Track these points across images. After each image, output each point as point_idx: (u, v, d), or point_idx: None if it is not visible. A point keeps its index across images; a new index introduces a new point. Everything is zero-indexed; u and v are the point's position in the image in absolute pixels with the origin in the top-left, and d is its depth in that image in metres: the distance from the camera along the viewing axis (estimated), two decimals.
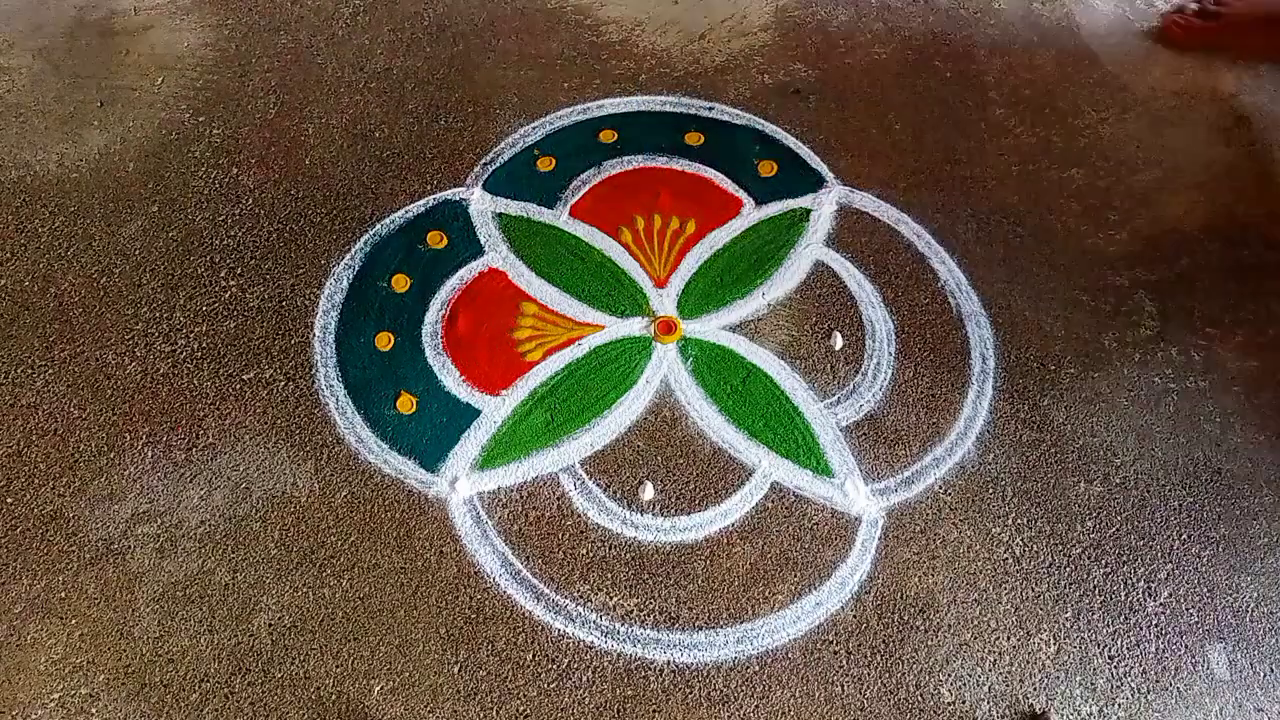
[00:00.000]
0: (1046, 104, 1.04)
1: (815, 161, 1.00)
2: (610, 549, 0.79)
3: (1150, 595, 0.78)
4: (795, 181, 0.99)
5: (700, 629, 0.77)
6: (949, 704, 0.74)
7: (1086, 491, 0.83)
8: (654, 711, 0.73)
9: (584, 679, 0.74)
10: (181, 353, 0.87)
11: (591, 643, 0.76)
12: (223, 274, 0.91)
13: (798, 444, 0.84)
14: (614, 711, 0.73)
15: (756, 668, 0.75)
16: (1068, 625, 0.77)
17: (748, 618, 0.77)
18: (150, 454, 0.82)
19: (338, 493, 0.81)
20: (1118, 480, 0.83)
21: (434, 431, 0.84)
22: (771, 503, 0.82)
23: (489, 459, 0.83)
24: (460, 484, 0.81)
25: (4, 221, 0.94)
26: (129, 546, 0.78)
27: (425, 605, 0.76)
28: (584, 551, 0.79)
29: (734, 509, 0.82)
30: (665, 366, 0.88)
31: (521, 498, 0.81)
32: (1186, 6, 1.07)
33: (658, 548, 0.80)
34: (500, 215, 0.96)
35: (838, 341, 0.89)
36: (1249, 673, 0.76)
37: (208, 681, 0.73)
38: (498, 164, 0.99)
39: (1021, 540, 0.80)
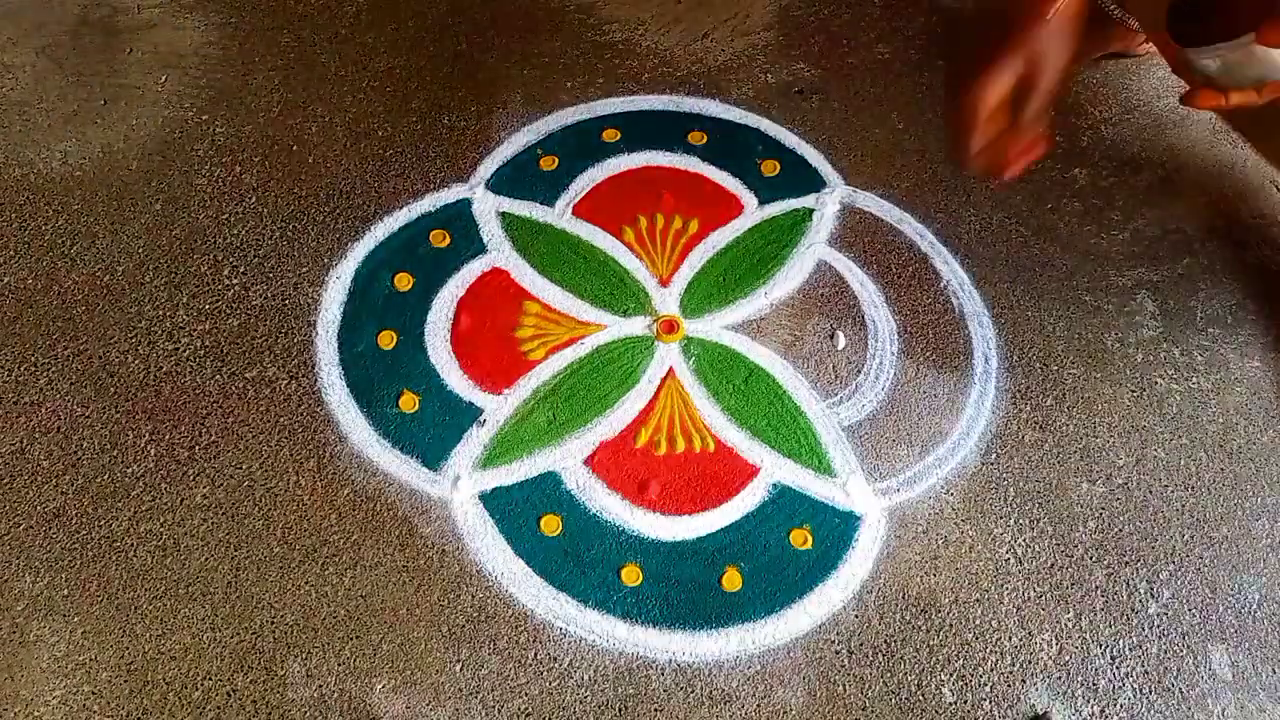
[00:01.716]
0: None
1: (818, 161, 1.00)
2: (612, 547, 0.79)
3: (1153, 596, 0.78)
4: (798, 181, 0.99)
5: (702, 628, 0.77)
6: (951, 704, 0.74)
7: (1089, 492, 0.83)
8: (656, 710, 0.73)
9: (586, 678, 0.74)
10: (184, 351, 0.87)
11: (593, 642, 0.76)
12: (225, 272, 0.92)
13: (800, 443, 0.84)
14: (616, 710, 0.73)
15: (758, 667, 0.75)
16: (1069, 626, 0.77)
17: (749, 616, 0.77)
18: (153, 452, 0.82)
19: (340, 491, 0.81)
20: (1120, 481, 0.83)
21: (436, 430, 0.84)
22: (773, 502, 0.82)
23: (491, 458, 0.83)
24: (462, 483, 0.81)
25: (7, 219, 0.94)
26: (131, 544, 0.78)
27: (427, 604, 0.76)
28: (586, 550, 0.79)
29: (735, 508, 0.82)
30: (667, 366, 0.88)
31: (524, 496, 0.81)
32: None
33: (659, 546, 0.80)
34: (503, 214, 0.96)
35: (840, 341, 0.89)
36: (1251, 674, 0.76)
37: (210, 679, 0.73)
38: (500, 163, 0.99)
39: (1024, 541, 0.80)
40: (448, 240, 0.94)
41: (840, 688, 0.74)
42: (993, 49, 0.67)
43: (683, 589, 0.78)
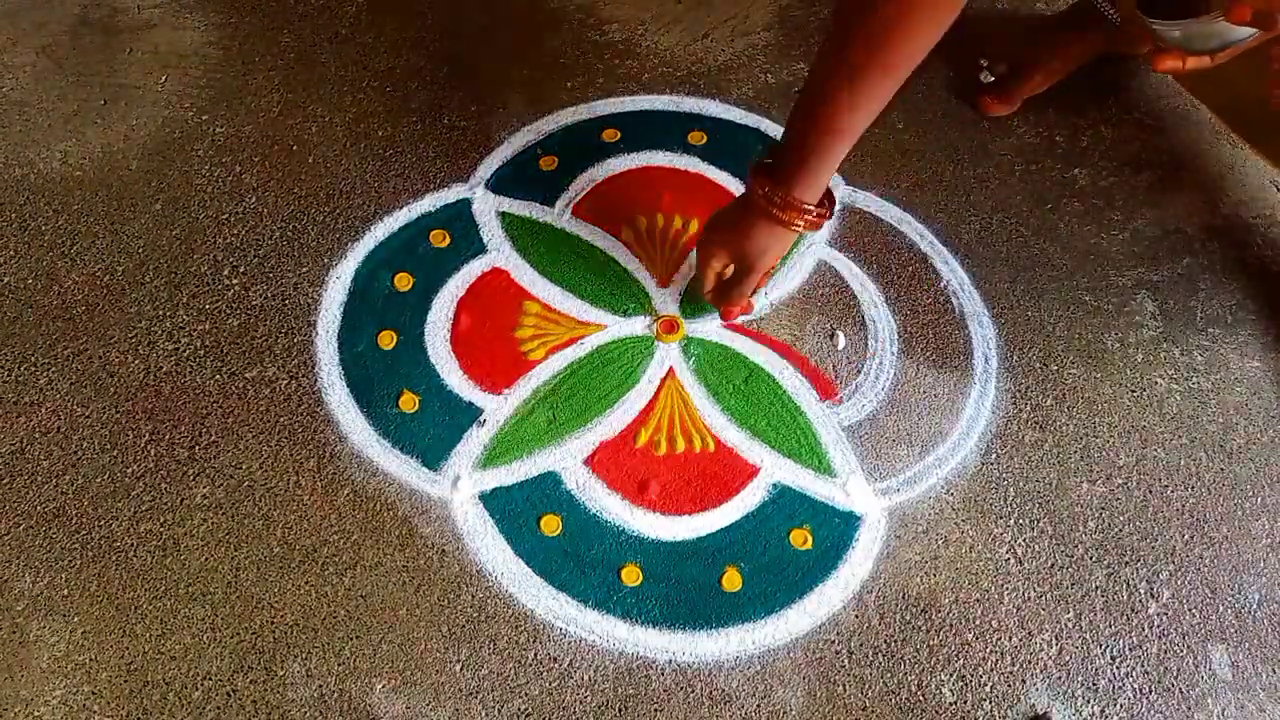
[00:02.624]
0: (1049, 103, 1.04)
1: None
2: (612, 547, 0.79)
3: (1153, 596, 0.78)
4: None
5: (702, 628, 0.77)
6: (951, 704, 0.74)
7: (1089, 492, 0.83)
8: (656, 710, 0.73)
9: (586, 678, 0.74)
10: (184, 350, 0.87)
11: (593, 642, 0.76)
12: (225, 272, 0.92)
13: (799, 443, 0.84)
14: (615, 710, 0.73)
15: (758, 667, 0.75)
16: (1069, 626, 0.77)
17: (749, 616, 0.77)
18: (153, 452, 0.82)
19: (340, 491, 0.81)
20: (1120, 481, 0.84)
21: (436, 430, 0.84)
22: (773, 502, 0.82)
23: (491, 458, 0.83)
24: (462, 483, 0.81)
25: (7, 219, 0.94)
26: (131, 544, 0.78)
27: (427, 604, 0.76)
28: (586, 550, 0.79)
29: (735, 508, 0.82)
30: (667, 366, 0.88)
31: (524, 496, 0.82)
32: (984, 78, 1.05)
33: (659, 546, 0.80)
34: (503, 214, 0.96)
35: (840, 341, 0.89)
36: (1251, 673, 0.76)
37: (210, 679, 0.73)
38: (500, 162, 0.99)
39: (1024, 541, 0.80)
40: (448, 240, 0.94)
41: (840, 688, 0.74)
42: (708, 240, 0.82)
43: (683, 589, 0.78)
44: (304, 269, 0.92)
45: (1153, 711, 0.74)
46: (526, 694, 0.73)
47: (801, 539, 0.80)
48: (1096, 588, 0.79)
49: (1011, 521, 0.81)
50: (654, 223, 0.96)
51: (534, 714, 0.73)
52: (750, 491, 0.82)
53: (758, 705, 0.73)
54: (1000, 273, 0.94)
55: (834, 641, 0.76)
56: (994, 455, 0.84)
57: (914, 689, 0.74)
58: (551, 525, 0.80)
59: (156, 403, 0.85)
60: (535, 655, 0.75)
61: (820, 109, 0.69)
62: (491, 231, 0.95)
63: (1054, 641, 0.76)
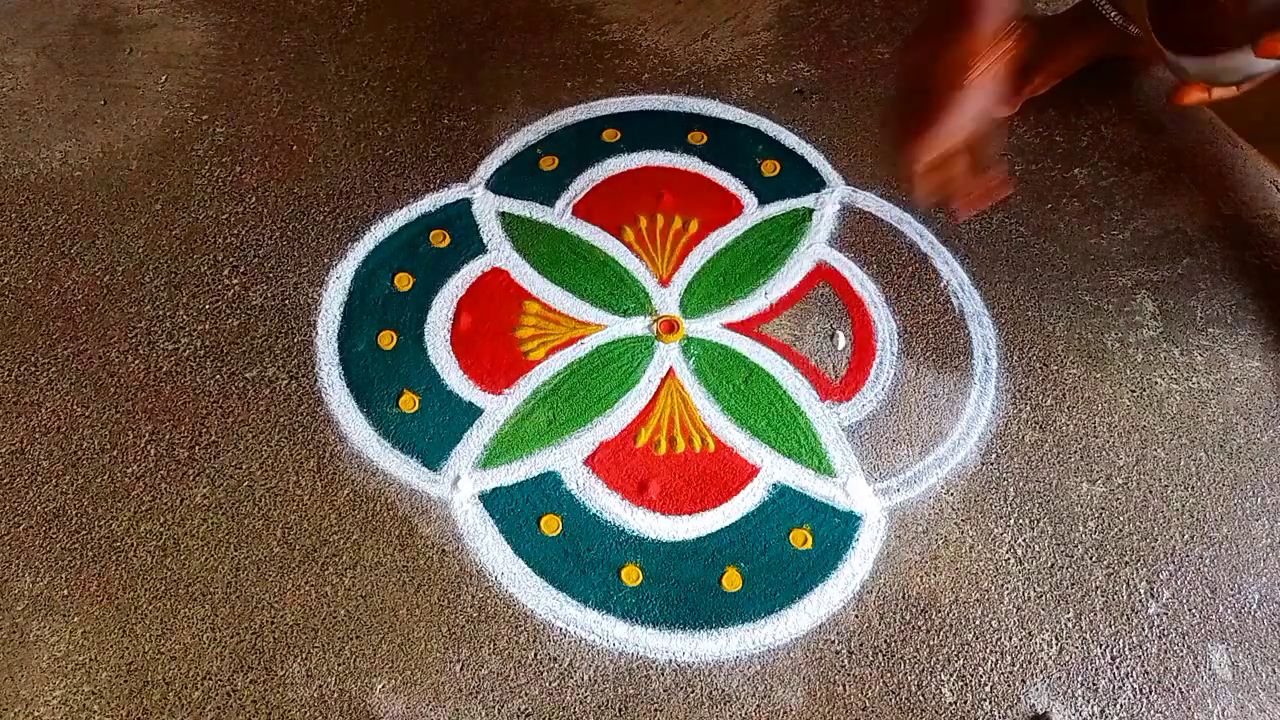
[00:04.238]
0: (1049, 103, 1.04)
1: (818, 161, 1.00)
2: (612, 547, 0.80)
3: (1153, 596, 0.78)
4: (798, 181, 0.99)
5: (702, 628, 0.77)
6: (951, 704, 0.74)
7: (1089, 492, 0.83)
8: (656, 710, 0.73)
9: (586, 678, 0.74)
10: (184, 350, 0.87)
11: (593, 642, 0.76)
12: (225, 272, 0.92)
13: (800, 443, 0.84)
14: (615, 710, 0.73)
15: (758, 667, 0.75)
16: (1069, 626, 0.77)
17: (749, 616, 0.77)
18: (153, 452, 0.82)
19: (340, 491, 0.81)
20: (1120, 481, 0.84)
21: (436, 430, 0.84)
22: (773, 502, 0.82)
23: (491, 458, 0.83)
24: (462, 483, 0.82)
25: (7, 219, 0.94)
26: (132, 544, 0.78)
27: (427, 604, 0.76)
28: (586, 550, 0.79)
29: (735, 508, 0.82)
30: (667, 366, 0.88)
31: (524, 496, 0.82)
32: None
33: (659, 546, 0.80)
34: (503, 214, 0.96)
35: (840, 341, 0.89)
36: (1251, 674, 0.76)
37: (210, 679, 0.73)
38: (500, 162, 0.99)
39: (1023, 541, 0.80)
40: (448, 240, 0.94)
41: (840, 688, 0.74)
42: (918, 119, 0.70)
43: (683, 589, 0.78)
44: (304, 269, 0.92)
45: (1153, 711, 0.74)
46: (526, 694, 0.73)
47: (801, 539, 0.80)
48: (1096, 588, 0.79)
49: (1011, 521, 0.81)
50: (654, 223, 0.96)
51: (534, 714, 0.73)
52: (750, 491, 0.82)
53: (758, 705, 0.73)
54: (1000, 273, 0.94)
55: (834, 641, 0.76)
56: (994, 455, 0.84)
57: (914, 689, 0.74)
58: (551, 525, 0.80)
59: (156, 403, 0.85)
60: (535, 655, 0.75)
61: None
62: (491, 231, 0.95)
63: (1054, 641, 0.76)
